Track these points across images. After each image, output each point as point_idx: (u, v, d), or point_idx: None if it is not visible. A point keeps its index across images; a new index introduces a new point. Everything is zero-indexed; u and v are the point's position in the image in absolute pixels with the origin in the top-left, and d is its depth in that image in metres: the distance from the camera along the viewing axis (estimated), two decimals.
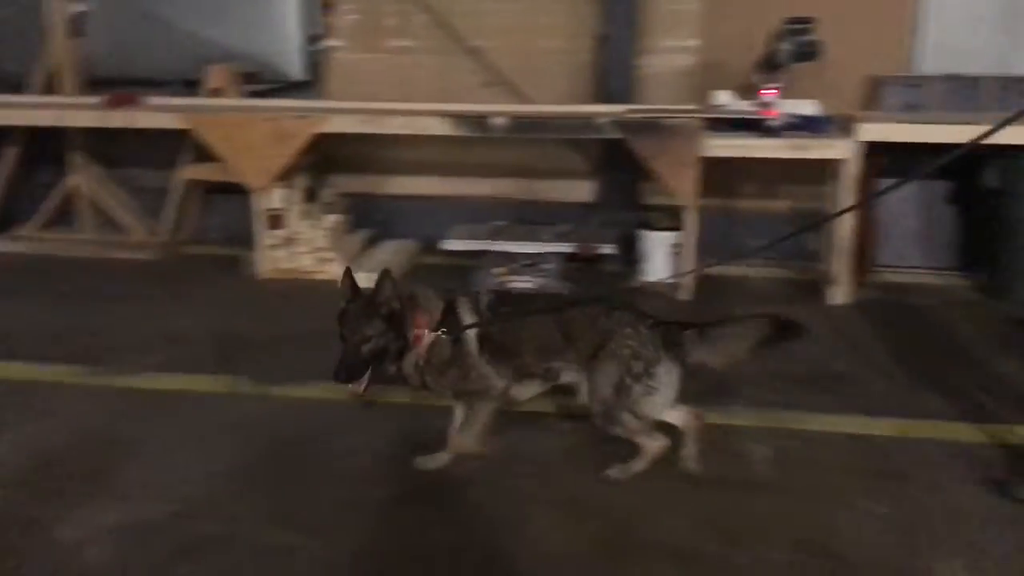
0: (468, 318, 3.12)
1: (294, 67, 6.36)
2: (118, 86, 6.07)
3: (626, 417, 3.09)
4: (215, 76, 6.11)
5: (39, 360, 4.22)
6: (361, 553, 2.79)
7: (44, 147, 6.36)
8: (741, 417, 3.66)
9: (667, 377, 3.08)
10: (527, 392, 3.28)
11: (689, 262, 5.16)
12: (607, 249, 5.61)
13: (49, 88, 6.28)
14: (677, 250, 5.30)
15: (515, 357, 3.15)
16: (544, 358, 3.18)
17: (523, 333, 3.14)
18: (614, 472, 3.18)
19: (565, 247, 5.58)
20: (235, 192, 5.69)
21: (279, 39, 6.33)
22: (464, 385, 3.15)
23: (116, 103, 5.78)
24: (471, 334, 3.11)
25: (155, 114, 5.71)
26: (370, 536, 2.88)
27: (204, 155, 5.77)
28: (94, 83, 6.30)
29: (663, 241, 5.39)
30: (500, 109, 5.56)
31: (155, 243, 6.22)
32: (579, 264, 5.62)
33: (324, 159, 5.87)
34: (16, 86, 6.31)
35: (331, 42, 6.48)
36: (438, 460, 3.26)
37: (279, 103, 6.03)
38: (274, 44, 6.33)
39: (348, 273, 3.05)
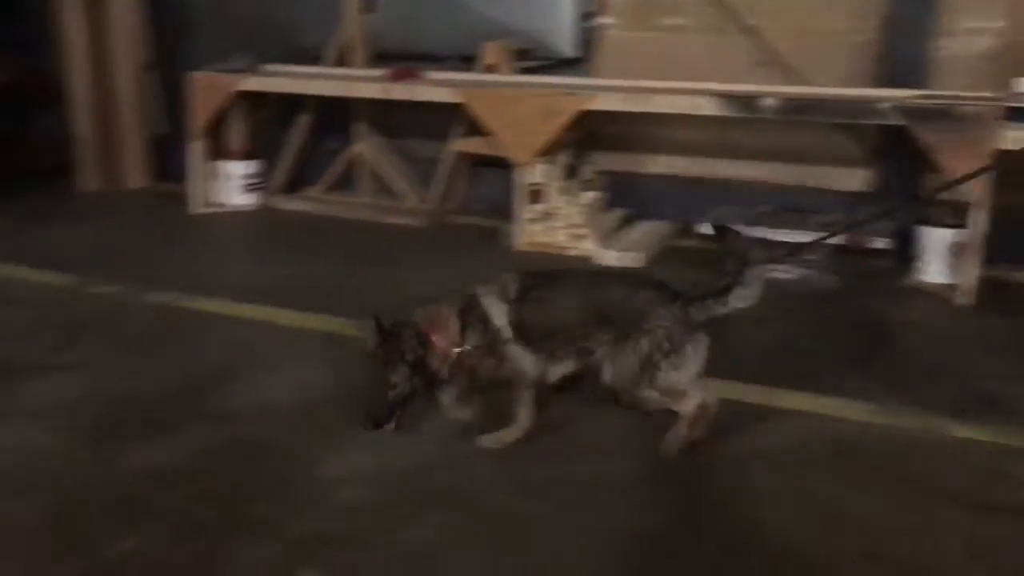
0: (495, 308, 3.14)
1: (566, 44, 6.44)
2: (401, 60, 6.42)
3: (648, 393, 3.08)
4: (491, 52, 6.31)
5: (309, 310, 4.54)
6: (594, 528, 2.78)
7: (333, 116, 6.85)
8: (1015, 436, 3.30)
9: (695, 353, 3.05)
10: (560, 371, 3.26)
11: (973, 264, 4.72)
12: (880, 243, 5.25)
13: (341, 61, 6.77)
14: (958, 250, 4.87)
15: (548, 339, 3.16)
16: (577, 338, 3.16)
17: (556, 315, 3.15)
18: (667, 447, 3.13)
19: (833, 238, 5.28)
20: (500, 166, 5.87)
21: (554, 16, 6.42)
22: (500, 373, 3.19)
23: (398, 76, 6.13)
24: (502, 325, 3.14)
25: (433, 88, 5.99)
26: (604, 512, 2.86)
27: (474, 129, 5.98)
28: (380, 57, 6.70)
29: (944, 239, 4.97)
30: (772, 90, 5.34)
31: (424, 210, 6.54)
32: (848, 257, 5.30)
33: (586, 136, 5.91)
34: (314, 59, 6.83)
35: (604, 19, 6.49)
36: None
37: (548, 80, 6.15)
38: (549, 21, 6.44)
39: (376, 320, 3.12)
